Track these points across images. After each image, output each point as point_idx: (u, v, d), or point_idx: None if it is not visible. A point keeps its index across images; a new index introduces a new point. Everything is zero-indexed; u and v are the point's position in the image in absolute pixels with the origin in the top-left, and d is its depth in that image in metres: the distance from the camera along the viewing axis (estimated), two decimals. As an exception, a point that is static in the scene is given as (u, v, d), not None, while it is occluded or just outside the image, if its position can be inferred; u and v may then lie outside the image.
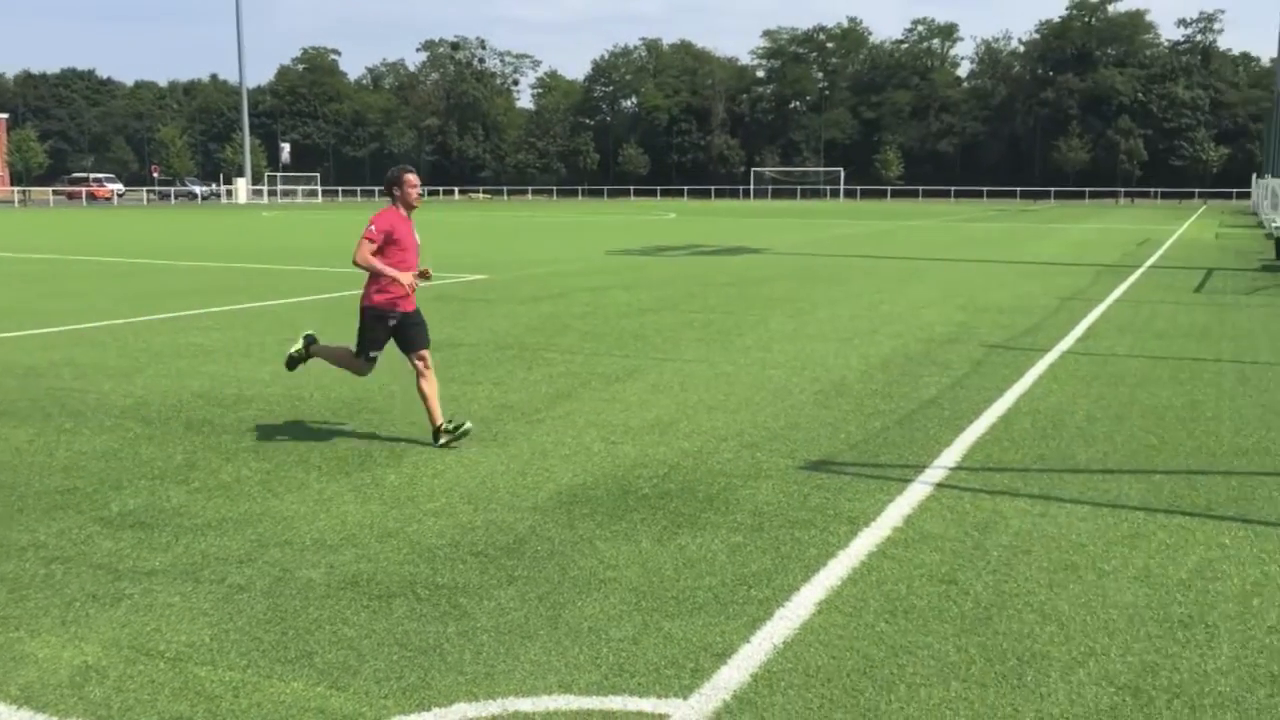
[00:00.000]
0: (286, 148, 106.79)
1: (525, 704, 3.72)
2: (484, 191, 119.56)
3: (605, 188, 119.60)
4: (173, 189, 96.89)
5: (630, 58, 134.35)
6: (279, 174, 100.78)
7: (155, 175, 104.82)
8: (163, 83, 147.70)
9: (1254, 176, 75.21)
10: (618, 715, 3.64)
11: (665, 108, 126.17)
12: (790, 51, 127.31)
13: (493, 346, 11.47)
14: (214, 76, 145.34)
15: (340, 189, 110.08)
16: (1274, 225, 31.12)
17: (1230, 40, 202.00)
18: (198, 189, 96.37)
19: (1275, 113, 67.40)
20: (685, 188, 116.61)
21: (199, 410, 8.35)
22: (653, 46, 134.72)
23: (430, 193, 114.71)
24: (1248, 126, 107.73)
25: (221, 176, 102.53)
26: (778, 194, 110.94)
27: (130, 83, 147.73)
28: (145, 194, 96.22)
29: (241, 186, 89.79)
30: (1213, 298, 16.73)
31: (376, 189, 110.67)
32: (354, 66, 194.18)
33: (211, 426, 7.80)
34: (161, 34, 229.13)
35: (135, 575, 4.89)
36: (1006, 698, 3.76)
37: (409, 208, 7.27)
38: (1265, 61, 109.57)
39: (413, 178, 7.24)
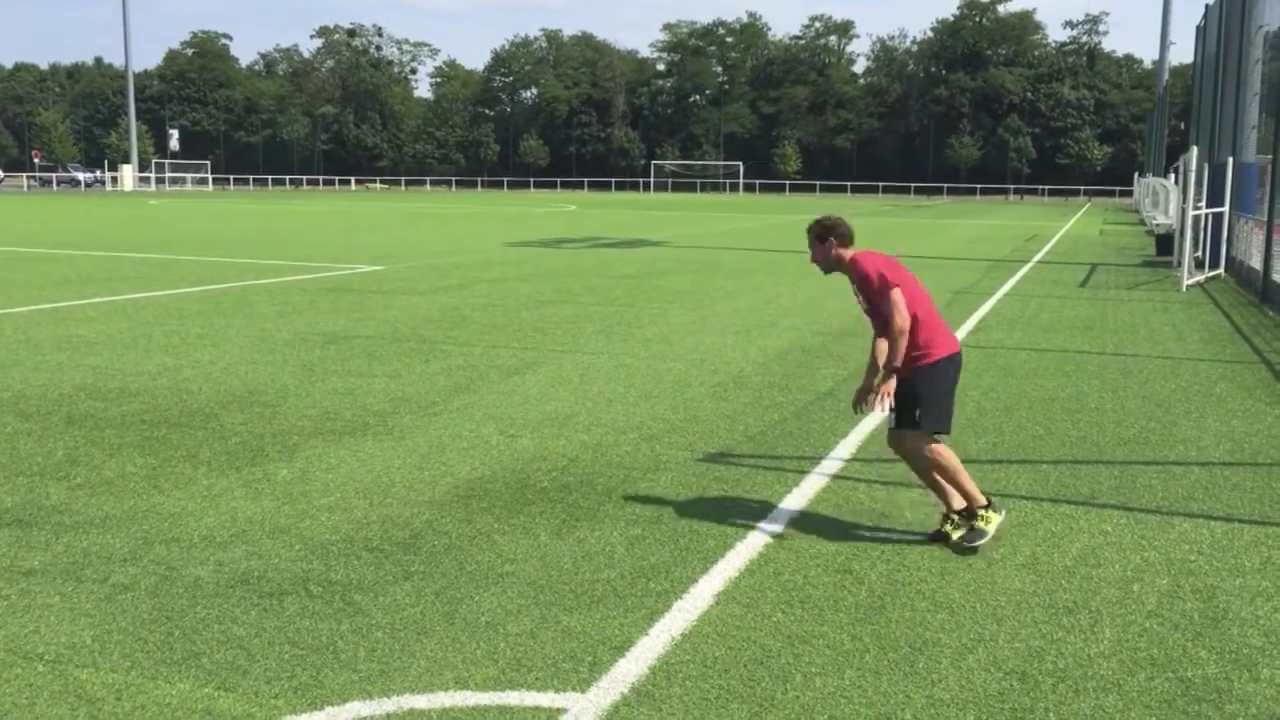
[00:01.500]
0: (175, 134, 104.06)
1: (421, 701, 3.67)
2: (381, 181, 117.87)
3: (505, 179, 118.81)
4: (55, 175, 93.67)
5: (530, 48, 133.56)
6: (167, 161, 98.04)
7: (37, 161, 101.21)
8: (44, 65, 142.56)
9: (1136, 175, 77.80)
10: (515, 710, 3.62)
11: (565, 99, 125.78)
12: (690, 45, 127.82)
13: (390, 338, 11.31)
14: (98, 60, 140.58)
15: (231, 177, 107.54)
16: (1155, 222, 32.24)
17: (1114, 42, 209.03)
18: (81, 176, 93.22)
19: (1156, 114, 69.77)
20: (585, 180, 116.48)
21: (81, 404, 8.08)
22: (553, 38, 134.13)
23: (325, 182, 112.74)
24: (1129, 126, 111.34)
25: (107, 163, 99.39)
26: (678, 187, 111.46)
27: (9, 65, 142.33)
28: (26, 180, 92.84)
29: (127, 173, 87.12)
30: (1097, 292, 17.26)
31: (269, 177, 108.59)
32: (246, 52, 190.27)
33: (94, 421, 7.55)
34: (42, 14, 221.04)
35: (12, 575, 4.71)
36: (899, 684, 3.83)
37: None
38: (1147, 63, 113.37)
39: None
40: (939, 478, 5.25)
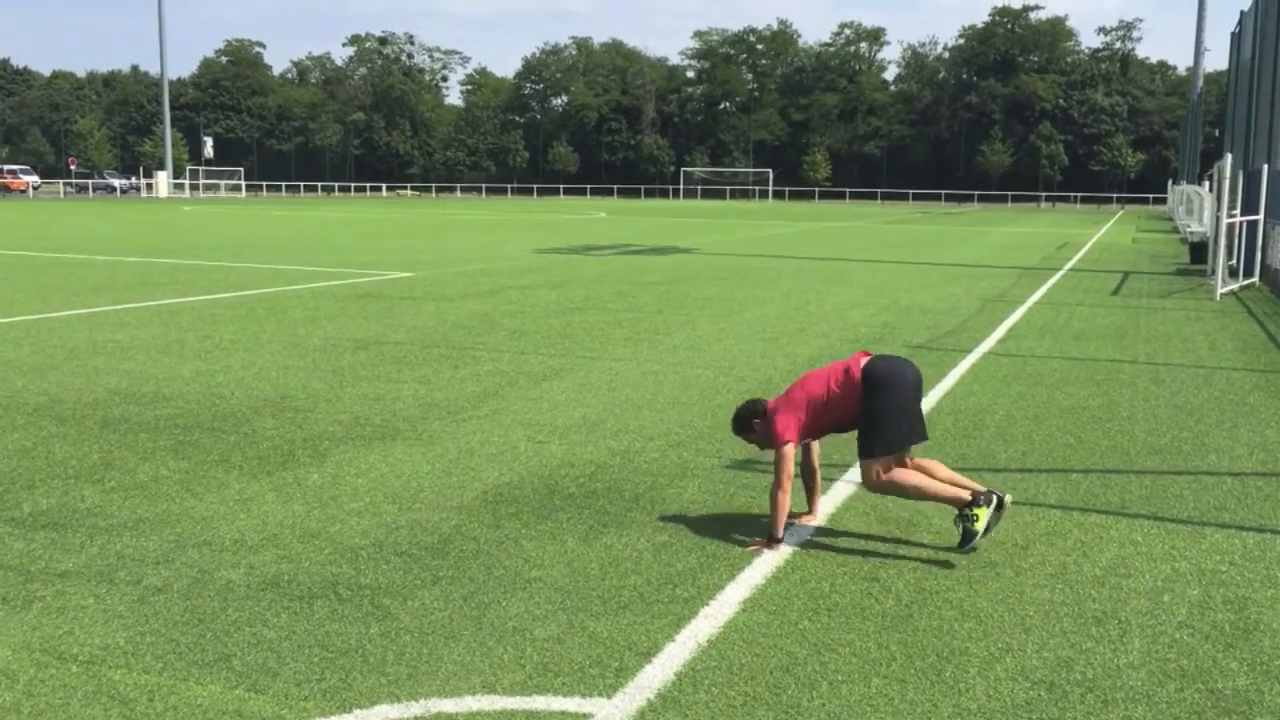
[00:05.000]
0: (209, 141, 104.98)
1: (448, 705, 3.69)
2: (412, 188, 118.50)
3: (535, 186, 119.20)
4: (91, 182, 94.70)
5: (560, 56, 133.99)
6: (201, 168, 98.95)
7: (73, 168, 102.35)
8: (81, 73, 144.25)
9: (1169, 182, 77.17)
10: (541, 715, 3.63)
11: (595, 106, 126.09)
12: (720, 52, 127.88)
13: (419, 345, 11.38)
14: (134, 68, 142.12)
15: (264, 184, 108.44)
16: (1188, 230, 31.96)
17: (1148, 49, 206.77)
18: (117, 182, 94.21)
19: (1190, 121, 69.20)
20: (615, 187, 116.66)
21: (116, 408, 8.17)
22: (583, 45, 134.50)
23: (357, 189, 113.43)
24: (1163, 133, 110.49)
25: (142, 170, 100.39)
26: (707, 194, 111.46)
27: (47, 73, 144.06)
28: (62, 187, 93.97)
29: (162, 180, 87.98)
30: (1129, 301, 17.13)
31: (301, 184, 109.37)
32: (279, 60, 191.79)
33: (129, 425, 7.64)
34: (80, 23, 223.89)
35: (48, 577, 4.78)
36: (926, 693, 3.82)
37: None
38: (1181, 70, 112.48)
39: None
40: (929, 495, 5.24)
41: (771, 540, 5.28)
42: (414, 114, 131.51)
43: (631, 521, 5.65)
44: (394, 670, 3.93)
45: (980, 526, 5.11)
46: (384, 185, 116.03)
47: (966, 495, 5.18)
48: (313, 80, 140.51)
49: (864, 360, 5.37)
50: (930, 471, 5.35)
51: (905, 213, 69.45)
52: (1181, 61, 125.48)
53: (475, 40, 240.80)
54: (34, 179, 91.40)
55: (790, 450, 5.29)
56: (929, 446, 7.23)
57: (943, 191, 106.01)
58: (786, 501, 5.30)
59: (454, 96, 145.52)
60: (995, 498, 5.18)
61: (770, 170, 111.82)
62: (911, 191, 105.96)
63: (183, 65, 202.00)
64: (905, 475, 5.25)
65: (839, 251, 28.68)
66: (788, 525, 5.48)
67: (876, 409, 5.24)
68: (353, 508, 5.82)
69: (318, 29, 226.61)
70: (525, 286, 17.66)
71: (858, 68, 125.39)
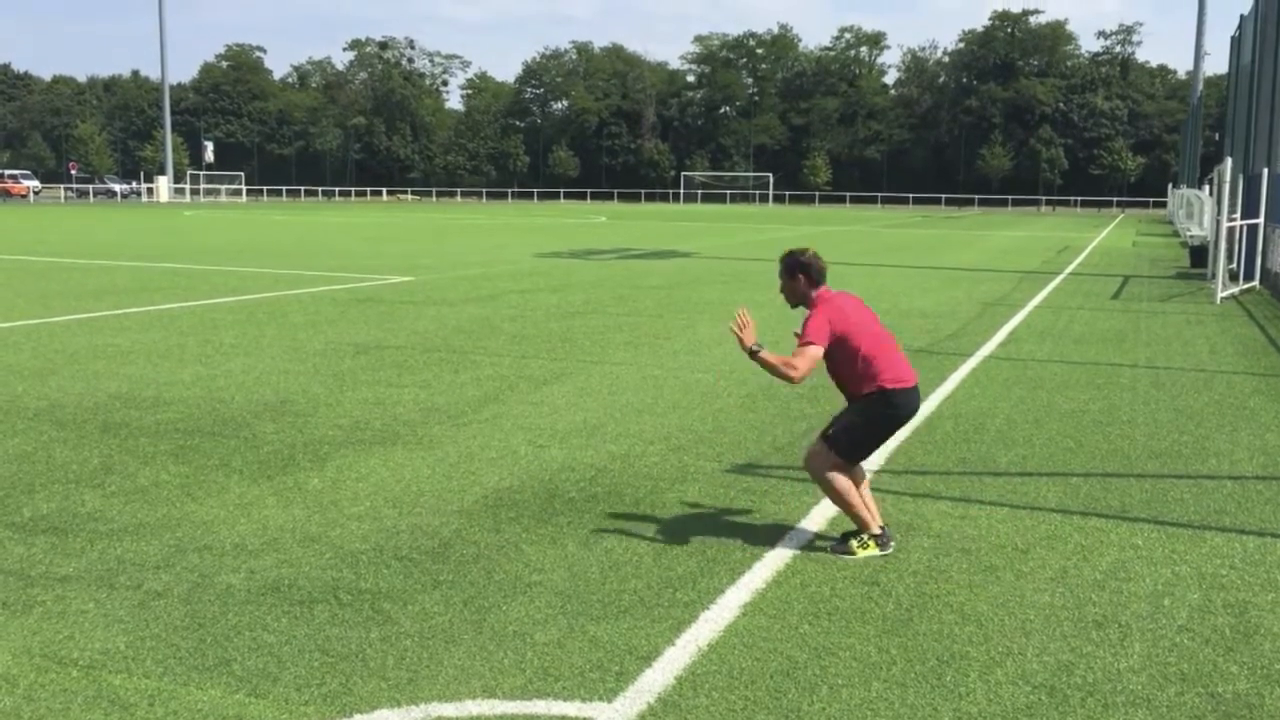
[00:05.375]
0: (210, 146, 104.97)
1: (449, 709, 3.69)
2: (412, 193, 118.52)
3: (535, 190, 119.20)
4: (91, 187, 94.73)
5: (561, 60, 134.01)
6: (202, 172, 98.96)
7: (73, 172, 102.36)
8: (82, 78, 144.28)
9: (1169, 186, 77.19)
10: (542, 719, 3.63)
11: (595, 111, 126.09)
12: (721, 57, 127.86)
13: (420, 349, 11.38)
14: (135, 72, 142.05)
15: (265, 188, 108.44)
16: (1188, 234, 31.98)
17: (1148, 52, 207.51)
18: (118, 187, 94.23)
19: (1190, 124, 69.26)
20: (615, 191, 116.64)
21: (116, 413, 8.17)
22: (583, 49, 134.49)
23: (357, 194, 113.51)
24: (1163, 137, 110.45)
25: (142, 175, 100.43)
26: (707, 198, 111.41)
27: (48, 77, 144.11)
28: (63, 191, 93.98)
29: (163, 185, 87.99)
30: (1129, 304, 17.13)
31: (302, 188, 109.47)
32: (279, 64, 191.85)
33: (129, 429, 7.64)
34: (81, 28, 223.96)
35: (48, 581, 4.78)
36: (926, 697, 3.82)
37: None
38: (1181, 74, 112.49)
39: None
40: (847, 507, 5.25)
41: (751, 349, 5.10)
42: (414, 118, 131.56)
43: (632, 525, 5.65)
44: (394, 674, 3.93)
45: (860, 556, 5.19)
46: (384, 190, 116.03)
47: (875, 528, 5.25)
48: (313, 85, 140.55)
49: (901, 382, 5.25)
50: (858, 484, 5.36)
51: (905, 216, 69.47)
52: (1181, 65, 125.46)
53: (476, 45, 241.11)
54: (35, 184, 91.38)
55: (815, 353, 5.10)
56: (928, 449, 7.25)
57: (943, 195, 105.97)
58: (782, 361, 5.08)
59: (454, 101, 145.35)
60: (890, 544, 5.28)
61: (770, 174, 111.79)
62: (912, 195, 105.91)
63: (183, 70, 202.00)
64: (843, 481, 5.25)
65: (839, 255, 28.69)
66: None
67: (871, 423, 5.24)
68: (353, 512, 5.82)
69: (318, 33, 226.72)
70: (526, 291, 17.66)
71: (858, 72, 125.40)
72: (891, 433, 5.41)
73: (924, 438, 7.65)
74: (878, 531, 5.26)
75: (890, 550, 5.27)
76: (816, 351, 5.12)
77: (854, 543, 5.23)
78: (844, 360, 5.24)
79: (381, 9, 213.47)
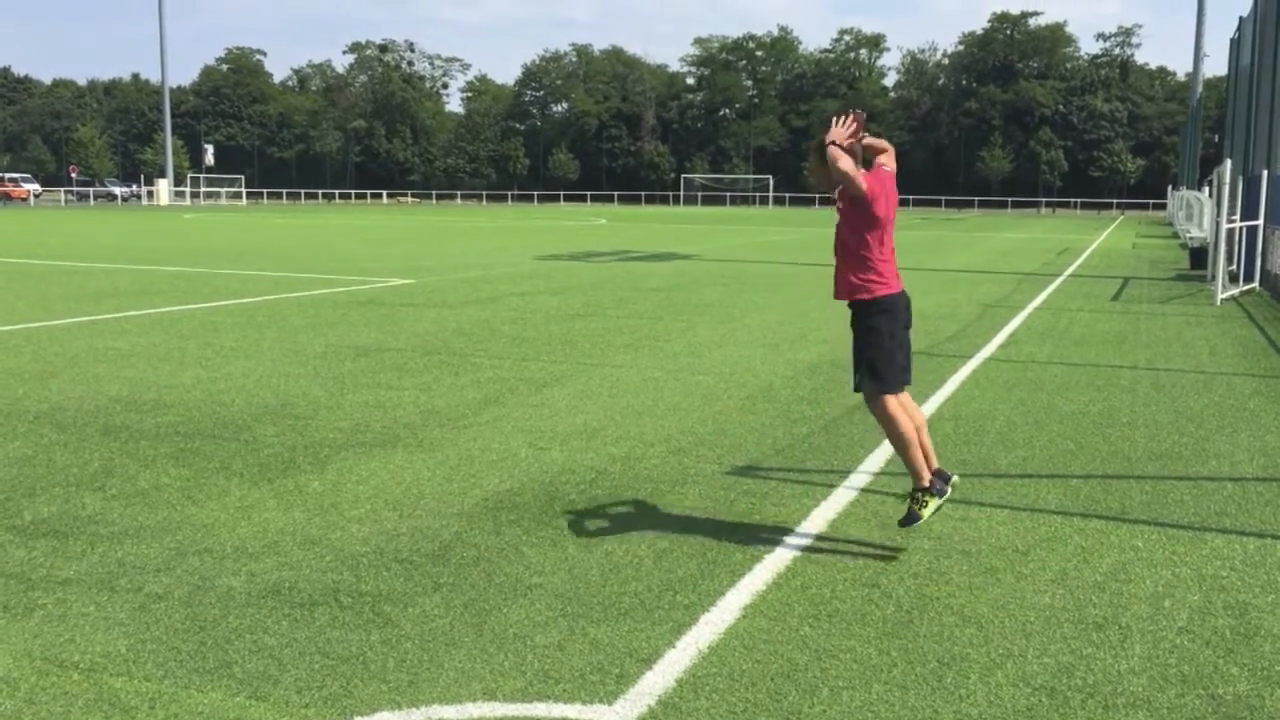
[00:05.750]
0: (210, 149, 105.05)
1: (449, 711, 3.69)
2: (412, 195, 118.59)
3: (535, 193, 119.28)
4: (92, 190, 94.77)
5: (560, 63, 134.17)
6: (202, 176, 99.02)
7: (73, 175, 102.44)
8: (82, 81, 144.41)
9: (1169, 188, 77.21)
10: (542, 722, 3.63)
11: (595, 113, 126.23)
12: (720, 59, 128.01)
13: (420, 351, 11.39)
14: (135, 75, 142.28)
15: (265, 191, 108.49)
16: (1188, 236, 31.98)
17: (1147, 54, 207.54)
18: (118, 190, 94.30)
19: (1189, 126, 69.27)
20: (616, 193, 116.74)
21: (117, 415, 8.18)
22: (583, 52, 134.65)
23: (357, 196, 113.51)
24: (1163, 139, 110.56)
25: (143, 178, 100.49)
26: (708, 200, 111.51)
27: (48, 81, 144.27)
28: (63, 195, 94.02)
29: (163, 188, 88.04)
30: (1129, 306, 17.14)
31: (302, 191, 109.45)
32: (279, 67, 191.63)
33: (130, 432, 7.65)
34: (81, 31, 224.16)
35: (49, 585, 4.78)
36: (926, 699, 3.82)
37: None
38: (1181, 76, 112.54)
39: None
40: (905, 451, 5.27)
41: (830, 142, 5.11)
42: (415, 121, 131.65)
43: (632, 528, 5.65)
44: (395, 677, 3.94)
45: (926, 514, 5.21)
46: (385, 192, 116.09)
47: (926, 479, 5.26)
48: (313, 88, 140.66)
49: (890, 289, 5.31)
50: (916, 421, 5.37)
51: (905, 218, 69.48)
52: (1181, 67, 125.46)
53: (476, 47, 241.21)
54: (35, 187, 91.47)
55: (865, 185, 5.10)
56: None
57: (943, 197, 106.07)
58: (852, 166, 5.09)
59: (454, 104, 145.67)
60: (946, 488, 5.29)
61: (770, 176, 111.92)
62: (911, 197, 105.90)
63: (184, 73, 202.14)
64: (905, 423, 5.24)
65: (839, 257, 28.67)
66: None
67: (885, 329, 5.27)
68: (353, 515, 5.82)
69: (318, 36, 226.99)
70: (526, 293, 17.67)
71: (858, 74, 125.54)
72: (905, 331, 5.39)
73: (924, 440, 7.64)
74: (927, 483, 5.25)
75: (949, 493, 5.27)
76: (865, 185, 5.11)
77: (914, 506, 5.20)
78: (861, 226, 5.23)
79: (381, 12, 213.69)
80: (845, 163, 5.09)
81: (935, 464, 5.41)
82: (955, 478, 5.51)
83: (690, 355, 11.40)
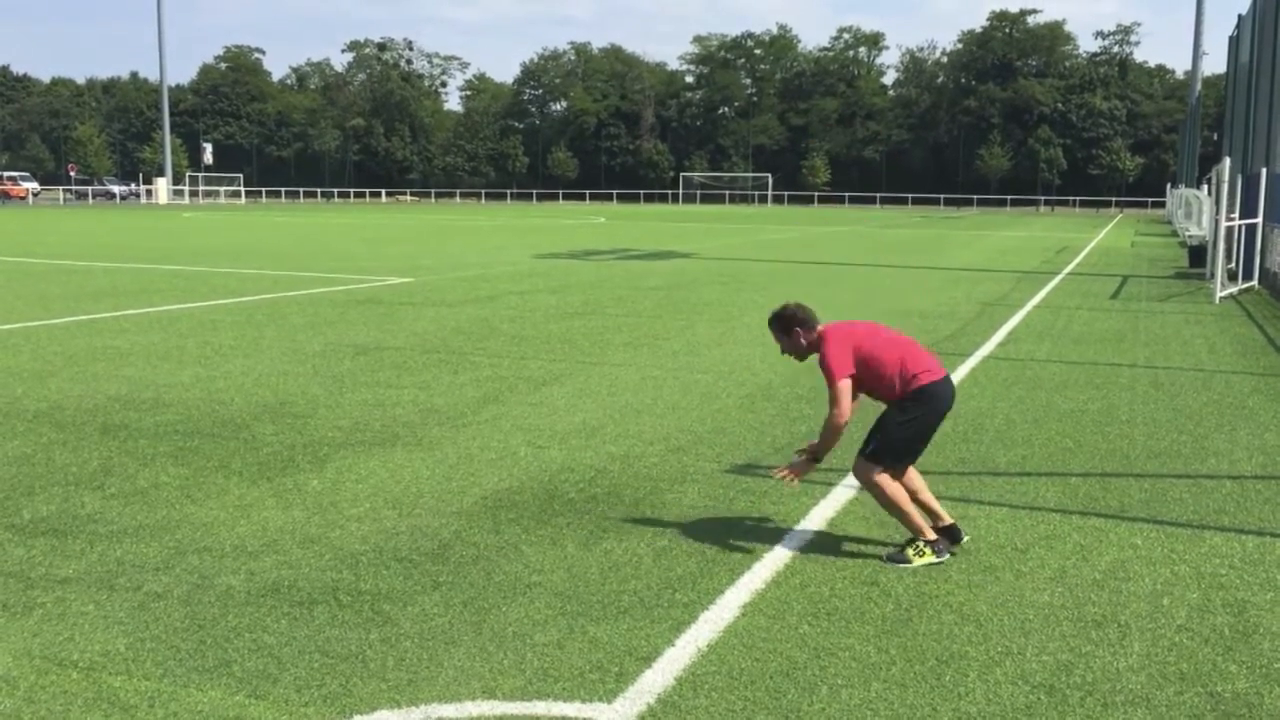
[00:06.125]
0: (209, 148, 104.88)
1: (449, 710, 3.69)
2: (411, 194, 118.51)
3: (534, 191, 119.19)
4: (90, 188, 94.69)
5: (559, 61, 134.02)
6: (201, 174, 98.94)
7: (72, 174, 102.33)
8: (80, 80, 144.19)
9: (1168, 186, 77.21)
10: (542, 720, 3.64)
11: (594, 112, 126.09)
12: (719, 57, 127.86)
13: (419, 350, 11.39)
14: (134, 74, 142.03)
15: (264, 190, 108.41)
16: (1187, 234, 31.99)
17: (1146, 52, 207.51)
18: (116, 189, 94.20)
19: (1188, 124, 69.29)
20: (614, 192, 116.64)
21: (116, 414, 8.18)
22: (581, 50, 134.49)
23: (356, 195, 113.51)
24: (1162, 137, 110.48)
25: (141, 176, 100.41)
26: (706, 199, 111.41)
27: (47, 79, 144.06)
28: (62, 193, 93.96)
29: (162, 187, 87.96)
30: (1128, 304, 17.14)
31: (301, 190, 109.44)
32: (278, 66, 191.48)
33: (129, 431, 7.64)
34: (79, 30, 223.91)
35: (48, 583, 4.78)
36: (925, 697, 3.82)
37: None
38: (1180, 74, 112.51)
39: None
40: (900, 516, 5.22)
41: (811, 461, 5.22)
42: (413, 120, 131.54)
43: (631, 526, 5.65)
44: (394, 676, 3.94)
45: (917, 564, 5.13)
46: (383, 191, 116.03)
47: (930, 533, 5.20)
48: (312, 86, 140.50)
49: (932, 375, 5.21)
50: (911, 485, 5.33)
51: (904, 217, 69.48)
52: (1180, 65, 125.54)
53: (474, 46, 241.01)
54: (34, 186, 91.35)
55: (847, 386, 5.12)
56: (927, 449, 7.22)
57: (941, 195, 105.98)
58: (826, 429, 5.17)
59: (453, 102, 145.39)
60: (946, 551, 5.21)
61: (769, 175, 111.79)
62: (910, 195, 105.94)
63: (182, 72, 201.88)
64: (894, 488, 5.21)
65: (838, 256, 28.70)
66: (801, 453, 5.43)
67: (912, 423, 5.18)
68: (353, 513, 5.82)
69: (317, 35, 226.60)
70: (525, 292, 17.67)
71: (856, 72, 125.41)
72: (935, 427, 5.30)
73: (923, 438, 7.65)
74: (932, 537, 5.19)
75: (946, 558, 5.17)
76: (844, 384, 5.13)
77: (910, 551, 5.15)
78: (873, 377, 5.20)
79: (380, 10, 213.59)
80: (822, 435, 5.22)
81: (947, 520, 5.31)
82: (966, 538, 5.38)
83: (689, 354, 11.40)
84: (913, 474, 5.40)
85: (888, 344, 5.26)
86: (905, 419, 5.18)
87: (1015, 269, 24.51)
